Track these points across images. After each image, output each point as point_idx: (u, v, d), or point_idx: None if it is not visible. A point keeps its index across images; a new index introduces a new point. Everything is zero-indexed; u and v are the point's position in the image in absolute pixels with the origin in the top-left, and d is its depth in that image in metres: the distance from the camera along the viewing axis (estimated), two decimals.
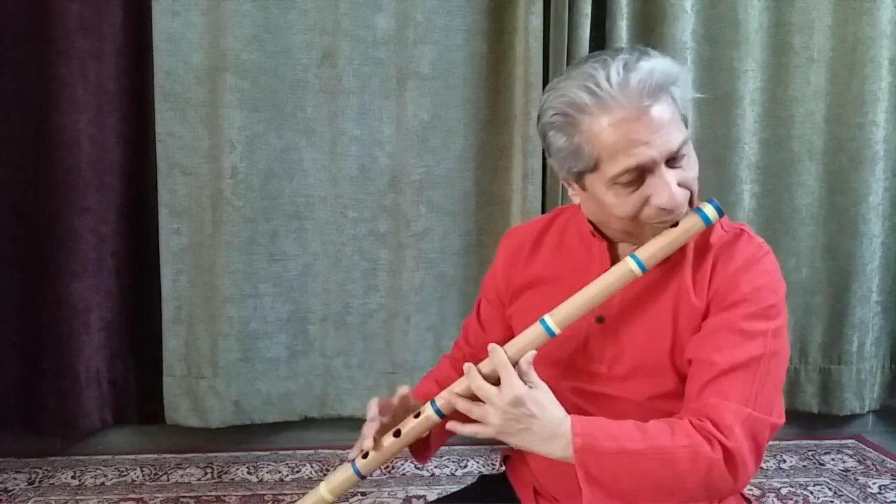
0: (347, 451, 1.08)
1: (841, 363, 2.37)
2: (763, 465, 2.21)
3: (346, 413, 2.27)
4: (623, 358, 1.04)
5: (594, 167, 0.95)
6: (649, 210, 0.95)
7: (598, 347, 1.06)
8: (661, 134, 0.92)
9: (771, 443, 2.35)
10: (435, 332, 2.30)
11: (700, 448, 0.90)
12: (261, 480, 2.09)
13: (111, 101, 2.14)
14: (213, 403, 2.20)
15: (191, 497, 1.99)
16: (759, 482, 2.09)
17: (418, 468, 2.15)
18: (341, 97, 2.20)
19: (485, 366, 0.97)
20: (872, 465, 2.23)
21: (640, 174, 0.94)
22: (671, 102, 0.95)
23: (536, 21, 2.15)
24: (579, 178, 0.99)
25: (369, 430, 1.04)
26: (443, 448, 2.27)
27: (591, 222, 1.07)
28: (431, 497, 1.95)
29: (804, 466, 2.22)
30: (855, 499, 1.99)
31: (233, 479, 2.10)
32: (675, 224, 0.97)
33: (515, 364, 0.95)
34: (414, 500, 1.96)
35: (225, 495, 2.00)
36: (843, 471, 2.18)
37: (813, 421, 2.43)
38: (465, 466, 2.19)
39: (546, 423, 0.93)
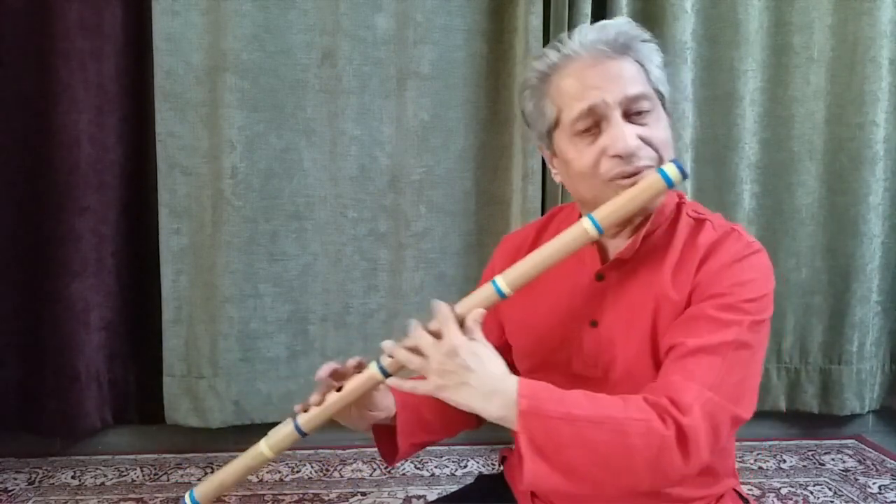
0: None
1: (841, 363, 2.37)
2: (763, 464, 2.21)
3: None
4: (616, 363, 1.02)
5: (556, 121, 0.99)
6: (607, 162, 0.95)
7: (593, 352, 1.04)
8: (616, 82, 0.95)
9: (771, 443, 2.37)
10: None
11: (652, 423, 0.85)
12: (260, 480, 2.09)
13: (111, 101, 2.14)
14: (213, 403, 2.20)
15: None
16: (760, 482, 2.09)
17: (418, 468, 2.15)
18: (341, 97, 2.20)
19: (433, 324, 0.95)
20: (872, 465, 2.23)
21: (595, 123, 0.96)
22: (637, 67, 0.98)
23: (536, 21, 2.15)
24: (549, 140, 1.03)
25: (317, 390, 1.02)
26: (443, 448, 2.28)
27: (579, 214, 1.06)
28: (431, 497, 1.95)
29: (804, 466, 2.22)
30: (855, 499, 1.99)
31: None
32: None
33: (462, 321, 0.93)
34: (414, 500, 1.96)
35: (225, 495, 2.00)
36: (843, 471, 2.18)
37: (813, 421, 2.43)
38: (465, 466, 2.19)
39: (484, 378, 0.88)
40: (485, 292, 0.95)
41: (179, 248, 2.18)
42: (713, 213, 1.06)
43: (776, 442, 2.40)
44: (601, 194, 0.96)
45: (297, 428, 1.01)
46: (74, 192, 2.10)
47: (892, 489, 2.06)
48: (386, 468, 2.14)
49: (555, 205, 2.19)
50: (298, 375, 2.26)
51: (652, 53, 1.00)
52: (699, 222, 1.03)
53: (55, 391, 2.14)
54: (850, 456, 2.30)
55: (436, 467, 2.17)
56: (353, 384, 1.00)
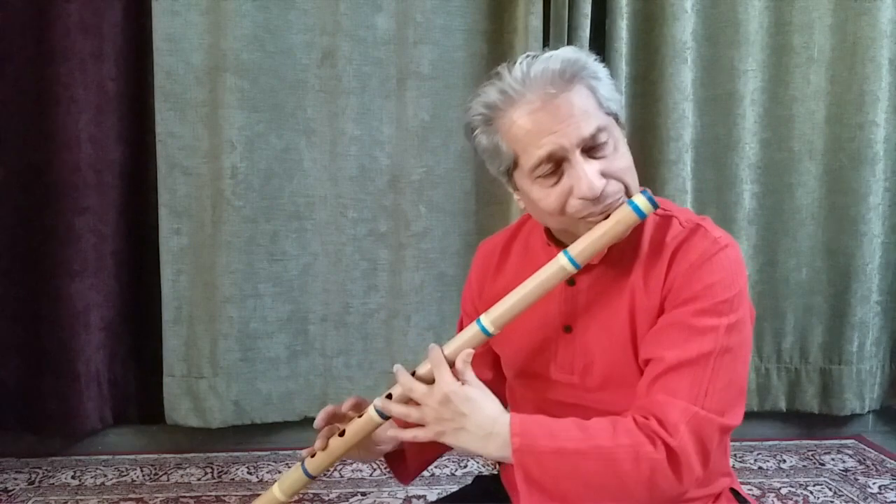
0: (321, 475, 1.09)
1: (841, 363, 2.37)
2: (763, 464, 2.21)
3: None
4: (593, 368, 1.01)
5: (514, 164, 0.97)
6: (574, 203, 0.93)
7: (568, 358, 1.03)
8: (569, 122, 0.91)
9: (771, 443, 2.37)
10: (435, 332, 2.30)
11: (642, 448, 0.87)
12: (261, 480, 2.09)
13: (111, 101, 2.14)
14: (213, 403, 2.20)
15: (191, 497, 1.99)
16: (760, 482, 2.09)
17: None
18: (341, 97, 2.20)
19: (423, 367, 0.95)
20: (872, 465, 2.23)
21: (556, 165, 0.93)
22: (586, 93, 0.93)
23: (536, 21, 2.15)
24: (509, 178, 1.00)
25: (321, 434, 1.04)
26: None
27: (546, 230, 1.05)
28: (431, 497, 1.95)
29: (804, 466, 2.22)
30: (855, 499, 1.99)
31: (233, 479, 2.10)
32: (608, 217, 0.93)
33: (452, 364, 0.93)
34: (414, 500, 1.96)
35: (225, 495, 2.00)
36: (843, 471, 2.18)
37: (813, 421, 2.42)
38: (465, 466, 2.19)
39: (480, 421, 0.90)
40: (470, 332, 0.96)
41: (179, 248, 2.18)
42: (680, 208, 1.05)
43: (776, 442, 2.40)
44: (571, 227, 0.96)
45: (306, 472, 1.05)
46: (74, 192, 2.10)
47: (892, 489, 2.05)
48: (386, 468, 2.14)
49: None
50: (298, 375, 2.26)
51: (598, 72, 0.96)
52: (665, 219, 1.01)
53: (55, 391, 2.15)
54: (850, 456, 2.30)
55: (436, 467, 2.17)
56: (353, 428, 1.01)
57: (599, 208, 0.93)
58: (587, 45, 2.15)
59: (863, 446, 2.37)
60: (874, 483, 2.09)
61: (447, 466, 2.18)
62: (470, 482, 1.35)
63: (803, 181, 2.34)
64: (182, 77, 2.13)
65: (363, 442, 1.04)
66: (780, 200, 2.35)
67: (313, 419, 1.07)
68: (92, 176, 2.12)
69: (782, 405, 2.40)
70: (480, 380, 1.03)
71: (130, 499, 1.97)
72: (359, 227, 2.26)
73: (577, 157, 0.92)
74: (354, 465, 2.16)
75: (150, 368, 2.25)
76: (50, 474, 2.12)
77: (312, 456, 1.04)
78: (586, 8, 2.16)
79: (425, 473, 2.12)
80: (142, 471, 2.15)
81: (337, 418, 1.06)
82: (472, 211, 2.30)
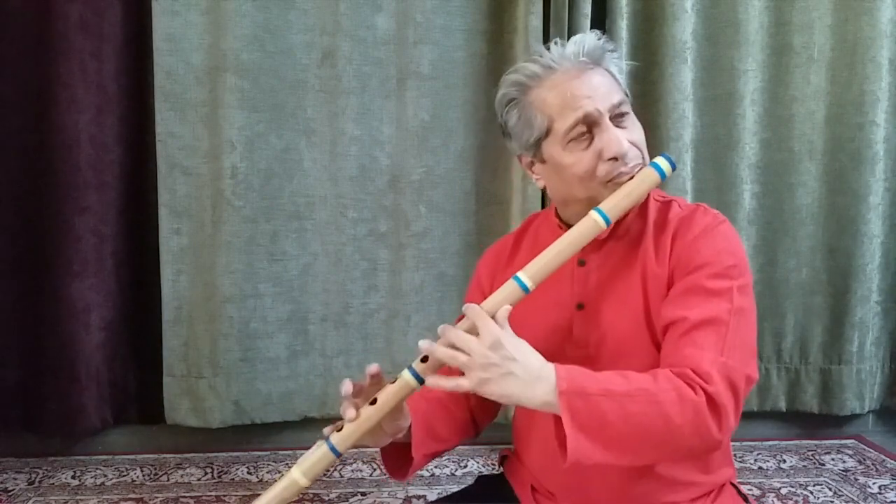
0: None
1: (841, 363, 2.37)
2: (763, 465, 2.21)
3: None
4: (606, 340, 1.07)
5: (547, 131, 1.06)
6: (603, 165, 1.04)
7: (583, 334, 1.09)
8: (601, 90, 1.05)
9: (771, 443, 2.37)
10: (435, 333, 2.29)
11: (683, 391, 0.90)
12: (261, 480, 2.09)
13: (111, 101, 2.14)
14: (213, 403, 2.20)
15: (191, 497, 1.99)
16: (760, 482, 2.09)
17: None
18: (341, 97, 2.20)
19: (461, 325, 0.97)
20: (872, 465, 2.23)
21: (588, 128, 1.04)
22: (610, 77, 1.08)
23: (536, 21, 2.16)
24: (537, 150, 1.09)
25: (345, 407, 1.01)
26: None
27: (557, 216, 1.14)
28: (431, 497, 1.95)
29: (804, 466, 2.22)
30: (855, 499, 1.99)
31: (233, 479, 2.10)
32: (633, 178, 1.04)
33: (493, 318, 0.95)
34: (414, 500, 1.96)
35: (225, 495, 2.00)
36: (843, 471, 2.18)
37: (813, 421, 2.42)
38: (465, 466, 2.19)
39: (528, 366, 0.92)
40: (508, 288, 0.99)
41: (179, 248, 2.18)
42: (678, 197, 1.16)
43: (776, 442, 2.40)
44: (597, 195, 1.05)
45: (333, 449, 0.98)
46: (74, 192, 2.10)
47: (892, 489, 2.06)
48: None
49: (552, 205, 2.19)
50: (298, 375, 2.26)
51: (619, 62, 1.11)
52: (666, 204, 1.13)
53: (55, 391, 2.14)
54: (850, 456, 2.30)
55: (436, 467, 2.17)
56: (387, 394, 0.99)
57: (626, 169, 1.04)
58: None
59: (863, 446, 2.37)
60: (874, 483, 2.09)
61: (447, 466, 2.18)
62: (471, 482, 1.35)
63: (803, 181, 2.34)
64: (182, 77, 2.13)
65: (392, 412, 1.00)
66: (780, 200, 2.35)
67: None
68: (92, 176, 2.11)
69: (782, 405, 2.40)
70: None
71: (130, 499, 1.97)
72: (359, 227, 2.26)
73: (608, 121, 1.04)
74: (354, 465, 2.16)
75: (150, 368, 2.25)
76: (50, 474, 2.12)
77: (339, 431, 0.99)
78: (586, 8, 2.16)
79: (425, 473, 2.12)
80: (142, 471, 2.15)
81: (356, 392, 1.01)
82: (472, 211, 2.30)
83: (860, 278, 2.33)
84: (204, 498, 1.98)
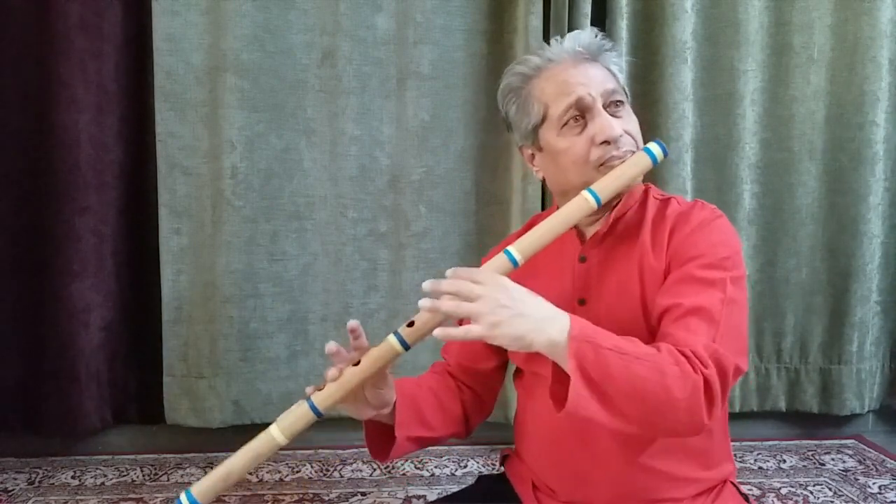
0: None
1: (841, 363, 2.37)
2: (763, 465, 2.21)
3: (346, 413, 2.27)
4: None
5: (543, 118, 1.11)
6: (596, 150, 1.07)
7: None
8: (595, 78, 1.09)
9: (771, 443, 2.37)
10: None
11: (685, 367, 0.91)
12: (261, 480, 2.09)
13: (111, 101, 2.14)
14: (213, 403, 2.20)
15: None
16: (760, 482, 2.09)
17: (418, 468, 2.15)
18: (341, 97, 2.20)
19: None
20: (872, 465, 2.23)
21: (581, 113, 1.08)
22: (607, 72, 1.12)
23: (536, 21, 2.16)
24: (535, 137, 1.14)
25: (331, 366, 1.01)
26: (442, 448, 2.28)
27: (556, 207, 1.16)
28: (431, 497, 1.95)
29: (804, 466, 2.22)
30: (855, 499, 1.99)
31: None
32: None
33: None
34: (414, 500, 1.96)
35: (225, 495, 2.00)
36: (843, 471, 2.18)
37: (813, 421, 2.42)
38: (465, 466, 2.19)
39: (541, 307, 0.92)
40: (498, 261, 0.99)
41: (179, 248, 2.18)
42: (676, 195, 1.19)
43: (776, 442, 2.40)
44: (591, 180, 1.06)
45: (313, 408, 0.96)
46: (74, 192, 2.10)
47: (892, 489, 2.06)
48: (385, 468, 2.14)
49: (553, 204, 2.19)
50: (298, 375, 2.26)
51: (618, 60, 1.15)
52: (664, 201, 1.15)
53: (55, 391, 2.14)
54: (850, 456, 2.30)
55: (436, 467, 2.17)
56: (371, 357, 0.98)
57: (618, 153, 1.07)
58: None
59: (863, 446, 2.37)
60: (874, 483, 2.09)
61: (447, 466, 2.18)
62: (472, 482, 1.35)
63: (803, 181, 2.34)
64: (182, 77, 2.13)
65: (374, 378, 1.00)
66: (780, 200, 2.35)
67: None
68: (92, 176, 2.11)
69: (782, 405, 2.40)
70: (485, 367, 1.19)
71: (130, 499, 1.97)
72: (359, 227, 2.26)
73: (600, 107, 1.08)
74: (354, 465, 2.16)
75: (150, 368, 2.25)
76: (50, 474, 2.12)
77: (320, 389, 0.98)
78: (586, 8, 2.16)
79: (425, 473, 2.12)
80: (142, 471, 2.15)
81: (342, 357, 1.01)
82: (472, 211, 2.30)
83: (860, 278, 2.33)
84: None
